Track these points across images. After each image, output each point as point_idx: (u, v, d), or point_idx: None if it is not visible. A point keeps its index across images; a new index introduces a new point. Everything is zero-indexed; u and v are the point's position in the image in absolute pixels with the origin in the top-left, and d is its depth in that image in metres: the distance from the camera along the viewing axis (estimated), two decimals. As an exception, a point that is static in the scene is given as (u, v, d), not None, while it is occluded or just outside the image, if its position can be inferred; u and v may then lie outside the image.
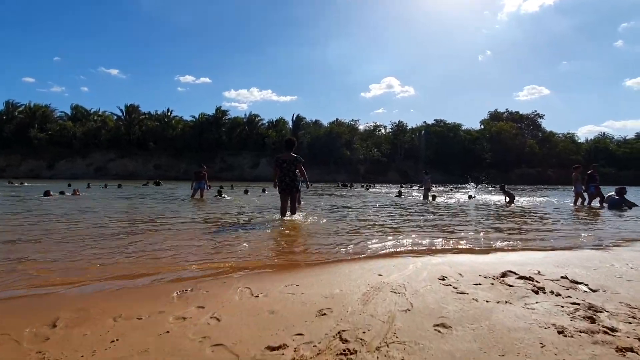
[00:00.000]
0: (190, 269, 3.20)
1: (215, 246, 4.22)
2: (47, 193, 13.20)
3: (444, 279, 2.78)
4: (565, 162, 74.65)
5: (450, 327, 1.84)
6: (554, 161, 75.81)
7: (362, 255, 3.81)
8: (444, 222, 6.82)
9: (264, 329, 1.81)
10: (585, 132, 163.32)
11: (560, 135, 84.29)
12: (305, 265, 3.38)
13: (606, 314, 2.07)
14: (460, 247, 4.41)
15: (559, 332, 1.79)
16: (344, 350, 1.57)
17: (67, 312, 2.07)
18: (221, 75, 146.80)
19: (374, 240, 4.70)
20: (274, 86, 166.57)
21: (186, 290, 2.50)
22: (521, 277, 2.83)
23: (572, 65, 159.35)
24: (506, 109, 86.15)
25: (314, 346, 1.62)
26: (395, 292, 2.43)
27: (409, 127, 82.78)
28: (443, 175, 63.38)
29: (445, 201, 14.04)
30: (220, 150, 72.50)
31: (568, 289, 2.58)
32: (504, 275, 2.90)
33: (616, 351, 1.60)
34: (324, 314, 2.02)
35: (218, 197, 13.91)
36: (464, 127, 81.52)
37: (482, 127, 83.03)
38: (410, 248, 4.26)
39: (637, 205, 11.00)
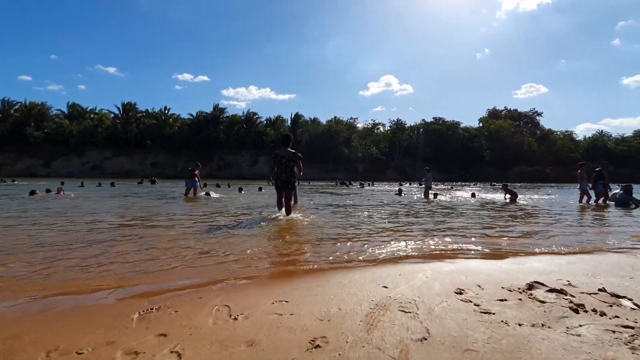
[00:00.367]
0: (164, 278, 2.76)
1: (200, 251, 3.77)
2: (32, 192, 12.70)
3: (461, 293, 2.34)
4: (563, 160, 74.53)
5: (481, 365, 1.41)
6: (552, 159, 75.57)
7: (363, 262, 3.37)
8: (450, 223, 6.38)
9: (237, 370, 1.37)
10: (582, 130, 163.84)
11: (558, 133, 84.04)
12: (297, 275, 2.94)
13: (673, 342, 1.64)
14: (471, 250, 3.98)
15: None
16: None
17: (-8, 342, 1.63)
18: (219, 74, 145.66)
19: (375, 244, 4.26)
20: (273, 84, 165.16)
21: (151, 309, 2.06)
22: (552, 290, 2.40)
23: (570, 64, 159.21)
24: (505, 107, 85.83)
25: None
26: (406, 312, 1.99)
27: (408, 125, 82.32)
28: (442, 173, 62.94)
29: (448, 200, 13.61)
30: (218, 149, 71.84)
31: (612, 306, 2.15)
32: (530, 287, 2.46)
33: None
34: (318, 345, 1.58)
35: (207, 195, 13.70)
36: (462, 125, 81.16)
37: (481, 125, 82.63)
38: (416, 252, 3.82)
39: (645, 203, 10.60)
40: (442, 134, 76.14)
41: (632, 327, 1.81)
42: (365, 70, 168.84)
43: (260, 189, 18.89)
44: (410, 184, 34.02)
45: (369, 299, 2.22)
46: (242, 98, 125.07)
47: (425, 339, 1.64)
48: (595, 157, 76.87)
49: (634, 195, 10.96)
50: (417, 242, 4.35)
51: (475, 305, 2.10)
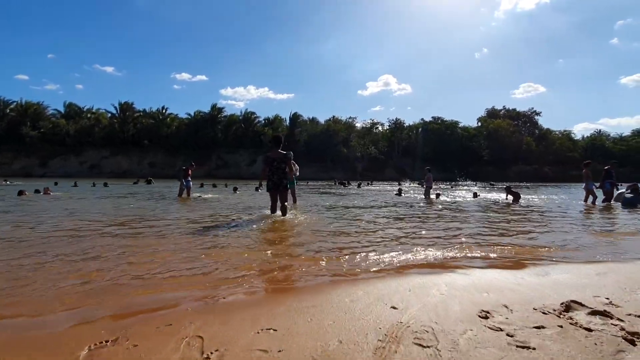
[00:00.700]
0: (133, 296, 2.36)
1: (181, 260, 3.35)
2: (20, 192, 12.28)
3: (487, 317, 1.94)
4: (562, 159, 74.43)
5: None
6: (550, 158, 75.42)
7: (366, 274, 2.96)
8: (459, 226, 5.98)
9: None
10: (580, 130, 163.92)
11: (557, 132, 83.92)
12: (290, 291, 2.52)
13: None
14: (486, 258, 3.58)
15: None
16: None
17: None
18: (218, 73, 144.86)
19: (378, 251, 3.83)
20: (271, 84, 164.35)
21: (106, 341, 1.65)
22: (594, 313, 2.00)
23: (568, 63, 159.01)
24: (503, 106, 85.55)
25: None
26: (424, 346, 1.59)
27: (407, 124, 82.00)
28: (441, 173, 62.54)
29: (451, 200, 13.21)
30: (216, 148, 71.39)
31: (674, 335, 1.75)
32: (567, 308, 2.07)
33: None
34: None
35: (201, 195, 13.53)
36: (461, 125, 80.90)
37: (479, 124, 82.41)
38: (424, 261, 3.42)
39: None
40: (441, 134, 75.88)
41: None
42: (363, 69, 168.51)
43: (257, 189, 18.51)
44: (410, 183, 33.62)
45: (375, 325, 1.82)
46: (240, 98, 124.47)
47: (455, 392, 1.24)
48: (594, 157, 76.49)
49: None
50: (425, 250, 3.94)
51: (508, 335, 1.70)
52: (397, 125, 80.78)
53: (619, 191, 12.08)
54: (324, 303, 2.19)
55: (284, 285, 2.68)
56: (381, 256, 3.57)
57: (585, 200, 11.88)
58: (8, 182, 25.40)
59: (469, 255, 3.71)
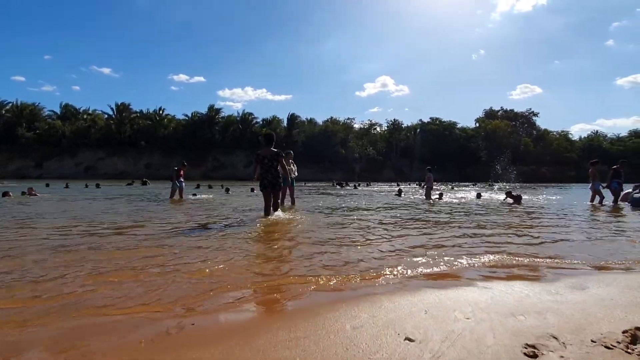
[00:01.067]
0: (81, 318, 1.87)
1: (152, 273, 2.83)
2: (5, 194, 11.77)
3: (535, 355, 1.46)
4: (559, 159, 74.31)
5: None
6: (548, 159, 75.28)
7: (370, 288, 2.49)
8: (467, 229, 5.52)
9: None
10: (577, 130, 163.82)
11: (554, 133, 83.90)
12: (276, 315, 2.04)
13: None
14: (510, 267, 3.12)
15: None
16: None
17: None
18: (215, 74, 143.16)
19: (383, 260, 3.34)
20: (269, 85, 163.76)
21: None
22: (672, 346, 1.54)
23: (565, 64, 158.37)
24: (501, 107, 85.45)
25: None
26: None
27: (405, 125, 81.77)
28: (439, 173, 62.09)
29: (456, 201, 12.73)
30: (213, 149, 70.86)
31: None
32: (634, 339, 1.60)
33: None
34: None
35: (194, 195, 13.29)
36: (459, 125, 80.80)
37: (477, 125, 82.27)
38: (434, 271, 2.93)
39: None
40: (439, 134, 75.72)
41: None
42: (361, 71, 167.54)
43: (252, 189, 18.08)
44: (409, 184, 33.19)
45: (388, 368, 1.35)
46: (238, 99, 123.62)
47: None
48: (591, 157, 76.41)
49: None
50: (436, 256, 3.47)
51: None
52: (395, 126, 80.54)
53: (625, 191, 11.66)
54: (319, 331, 1.71)
55: (269, 306, 2.19)
56: (387, 266, 3.07)
57: (592, 201, 11.47)
58: (3, 184, 24.82)
59: (486, 262, 3.24)
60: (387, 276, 2.77)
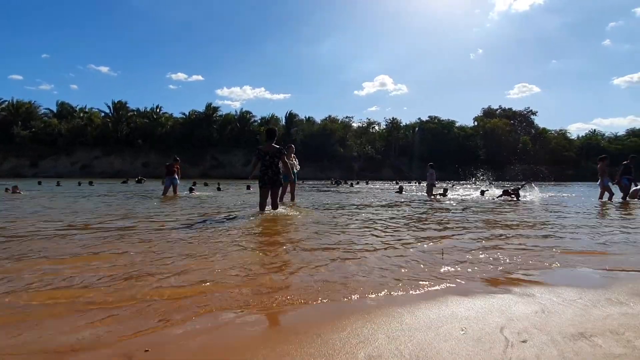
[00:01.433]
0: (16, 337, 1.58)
1: (122, 277, 2.50)
2: (-8, 192, 11.49)
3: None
4: (558, 158, 74.31)
5: None
6: (546, 158, 75.28)
7: (384, 299, 2.17)
8: (483, 229, 5.24)
9: None
10: (574, 130, 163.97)
11: (552, 132, 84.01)
12: (269, 345, 1.58)
13: None
14: (541, 267, 2.85)
15: None
16: None
17: None
18: (214, 73, 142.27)
19: (394, 263, 2.99)
20: (267, 84, 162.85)
21: None
22: None
23: (562, 64, 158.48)
24: (499, 106, 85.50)
25: None
26: None
27: (403, 124, 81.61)
28: (437, 172, 62.10)
29: (461, 198, 12.44)
30: (211, 148, 70.43)
31: None
32: None
33: None
34: None
35: (190, 192, 13.27)
36: (458, 124, 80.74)
37: (476, 123, 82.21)
38: (463, 279, 2.61)
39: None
40: (438, 133, 75.62)
41: None
42: (359, 70, 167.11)
43: (248, 187, 17.89)
44: (409, 182, 32.96)
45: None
46: (236, 98, 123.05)
47: None
48: (589, 156, 76.92)
49: None
50: (456, 260, 3.19)
51: None
52: (393, 124, 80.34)
53: (635, 187, 11.42)
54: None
55: (257, 326, 1.78)
56: (401, 273, 2.72)
57: (601, 198, 11.24)
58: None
59: (520, 263, 2.96)
60: (405, 284, 2.43)
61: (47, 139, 66.75)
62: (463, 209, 8.11)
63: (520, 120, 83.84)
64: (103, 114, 74.30)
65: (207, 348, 1.50)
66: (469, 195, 14.27)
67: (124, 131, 71.24)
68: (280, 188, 7.06)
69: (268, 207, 6.46)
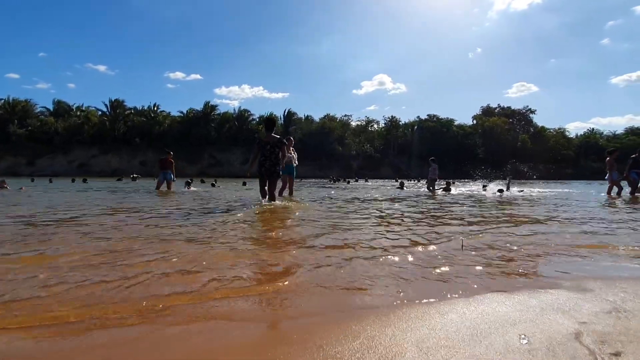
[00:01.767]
0: None
1: (92, 281, 2.16)
2: (-20, 188, 11.10)
3: None
4: (557, 156, 74.24)
5: None
6: (545, 156, 75.25)
7: (393, 304, 1.75)
8: (508, 223, 4.81)
9: None
10: (572, 129, 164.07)
11: (551, 130, 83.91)
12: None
13: None
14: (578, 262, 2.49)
15: None
16: None
17: None
18: (212, 72, 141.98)
19: (398, 260, 2.53)
20: (266, 83, 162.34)
21: None
22: None
23: (560, 63, 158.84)
24: (498, 104, 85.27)
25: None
26: None
27: (402, 122, 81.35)
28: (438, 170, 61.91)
29: (467, 194, 12.06)
30: (209, 146, 70.02)
31: None
32: None
33: None
34: None
35: (187, 187, 13.05)
36: (456, 123, 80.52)
37: (475, 122, 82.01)
38: (497, 272, 2.26)
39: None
40: (437, 132, 75.47)
41: None
42: (358, 69, 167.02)
43: (244, 183, 17.56)
44: (408, 180, 32.67)
45: None
46: (235, 97, 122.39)
47: None
48: (588, 154, 76.88)
49: None
50: (481, 260, 2.81)
51: None
52: (392, 123, 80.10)
53: None
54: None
55: (253, 337, 1.39)
56: (409, 273, 2.22)
57: (609, 193, 10.91)
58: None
59: (559, 254, 2.60)
60: (414, 286, 1.94)
61: (43, 138, 66.20)
62: (474, 203, 7.76)
63: (519, 118, 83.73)
64: (100, 113, 73.76)
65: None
66: (472, 191, 13.92)
67: (121, 129, 70.73)
68: (279, 181, 6.93)
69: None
